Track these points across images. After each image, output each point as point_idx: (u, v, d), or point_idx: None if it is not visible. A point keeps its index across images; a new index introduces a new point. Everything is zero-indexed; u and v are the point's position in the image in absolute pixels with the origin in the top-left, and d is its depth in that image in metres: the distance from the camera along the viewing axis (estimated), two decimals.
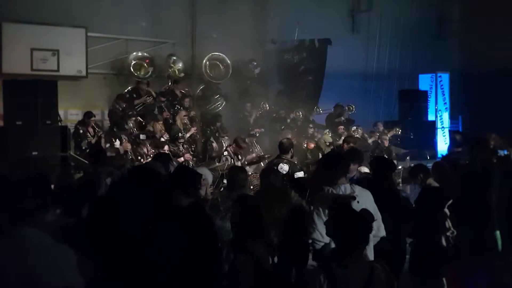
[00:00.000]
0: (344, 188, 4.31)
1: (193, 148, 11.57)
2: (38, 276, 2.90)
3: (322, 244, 4.10)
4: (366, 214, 3.26)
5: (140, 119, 11.64)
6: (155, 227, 3.61)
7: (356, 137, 11.85)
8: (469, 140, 9.34)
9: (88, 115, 10.80)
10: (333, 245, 3.40)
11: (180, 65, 13.30)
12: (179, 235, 3.66)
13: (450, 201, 5.46)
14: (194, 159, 11.00)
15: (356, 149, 7.03)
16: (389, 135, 12.43)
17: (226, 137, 11.62)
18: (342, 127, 13.08)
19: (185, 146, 10.87)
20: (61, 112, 10.62)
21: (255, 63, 14.06)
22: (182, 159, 10.30)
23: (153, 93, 12.45)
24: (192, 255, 3.68)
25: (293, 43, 14.93)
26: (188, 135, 11.63)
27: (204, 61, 13.45)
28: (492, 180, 5.86)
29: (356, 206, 4.15)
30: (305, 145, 11.89)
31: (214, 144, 11.50)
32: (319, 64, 15.03)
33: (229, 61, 13.63)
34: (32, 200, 3.01)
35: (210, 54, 13.49)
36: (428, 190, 5.73)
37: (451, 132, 12.28)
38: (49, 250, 2.97)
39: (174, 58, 13.25)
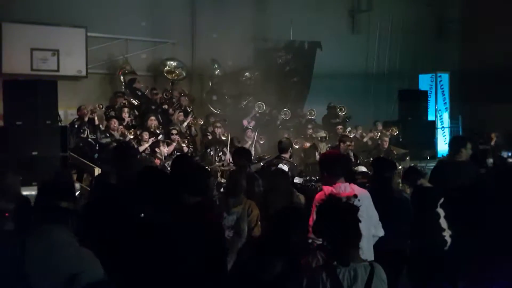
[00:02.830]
0: (344, 187, 4.32)
1: (187, 136, 11.71)
2: (62, 275, 2.89)
3: (321, 242, 4.10)
4: (348, 207, 3.29)
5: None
6: (160, 226, 3.59)
7: (353, 136, 11.88)
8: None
9: (78, 109, 11.09)
10: None
11: (178, 68, 13.30)
12: (185, 234, 3.63)
13: (442, 200, 5.42)
14: (191, 147, 11.21)
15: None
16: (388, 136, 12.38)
17: (218, 124, 11.83)
18: (340, 127, 13.08)
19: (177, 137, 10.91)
20: (61, 112, 10.61)
21: (247, 74, 14.11)
22: (174, 144, 10.53)
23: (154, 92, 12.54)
24: (198, 255, 3.64)
25: (284, 43, 14.92)
26: (185, 124, 11.84)
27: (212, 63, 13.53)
28: (491, 179, 5.84)
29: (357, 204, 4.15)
30: (304, 145, 11.90)
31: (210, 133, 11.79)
32: (306, 66, 15.03)
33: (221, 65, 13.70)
34: (64, 200, 3.03)
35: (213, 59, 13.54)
36: (419, 190, 5.73)
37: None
38: (76, 250, 2.98)
39: (173, 63, 13.28)
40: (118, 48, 13.14)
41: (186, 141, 11.15)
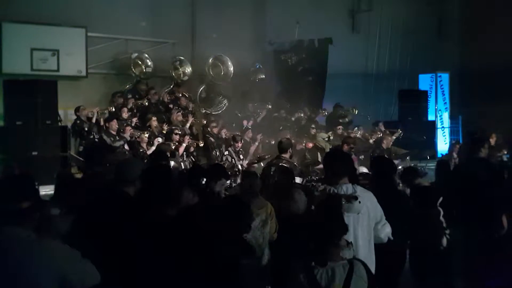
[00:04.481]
0: (346, 188, 4.28)
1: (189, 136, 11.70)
2: (26, 274, 2.88)
3: None
4: (327, 206, 3.32)
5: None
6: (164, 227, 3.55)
7: (356, 137, 11.85)
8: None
9: (77, 109, 11.02)
10: None
11: (188, 69, 13.22)
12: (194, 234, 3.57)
13: (441, 199, 5.43)
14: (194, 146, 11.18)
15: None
16: (393, 138, 12.34)
17: (213, 124, 11.88)
18: (340, 127, 13.05)
19: (179, 137, 10.89)
20: (61, 112, 10.63)
21: (259, 66, 14.05)
22: (182, 148, 10.51)
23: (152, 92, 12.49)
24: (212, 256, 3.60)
25: (290, 44, 14.91)
26: (187, 125, 11.80)
27: (209, 61, 13.45)
28: (492, 179, 5.83)
29: (358, 206, 4.14)
30: (303, 145, 11.87)
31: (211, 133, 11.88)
32: (319, 64, 14.96)
33: (230, 63, 13.57)
34: (18, 201, 2.98)
35: (213, 56, 13.47)
36: (417, 190, 5.75)
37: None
38: (35, 247, 2.94)
39: (180, 59, 13.22)
40: (118, 48, 13.13)
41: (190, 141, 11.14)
